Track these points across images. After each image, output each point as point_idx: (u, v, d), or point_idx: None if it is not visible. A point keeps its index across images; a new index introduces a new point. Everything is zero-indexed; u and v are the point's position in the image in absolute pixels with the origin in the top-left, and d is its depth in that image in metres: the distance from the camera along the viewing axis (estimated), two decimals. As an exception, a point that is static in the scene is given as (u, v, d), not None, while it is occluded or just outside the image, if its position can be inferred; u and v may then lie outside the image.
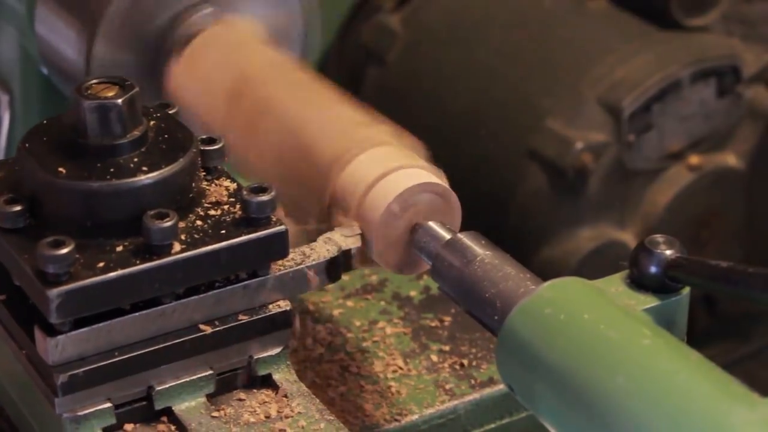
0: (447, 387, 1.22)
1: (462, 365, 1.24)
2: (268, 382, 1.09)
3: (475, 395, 1.21)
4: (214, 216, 1.06)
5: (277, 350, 1.08)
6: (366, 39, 2.17)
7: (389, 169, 1.11)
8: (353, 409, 1.19)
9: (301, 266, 1.08)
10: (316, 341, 1.27)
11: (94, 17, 1.35)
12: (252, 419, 1.05)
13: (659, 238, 1.03)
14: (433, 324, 1.30)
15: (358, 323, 1.30)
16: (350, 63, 2.19)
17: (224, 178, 1.11)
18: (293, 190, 1.16)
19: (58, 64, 1.43)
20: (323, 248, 1.10)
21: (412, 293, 1.34)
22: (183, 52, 1.33)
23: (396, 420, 1.18)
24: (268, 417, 1.05)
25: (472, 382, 1.22)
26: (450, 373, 1.23)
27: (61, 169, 1.04)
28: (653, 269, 1.02)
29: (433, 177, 1.11)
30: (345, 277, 1.34)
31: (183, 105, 1.25)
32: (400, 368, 1.23)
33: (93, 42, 1.35)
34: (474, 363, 1.24)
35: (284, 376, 1.08)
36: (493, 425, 1.21)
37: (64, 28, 1.40)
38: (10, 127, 1.69)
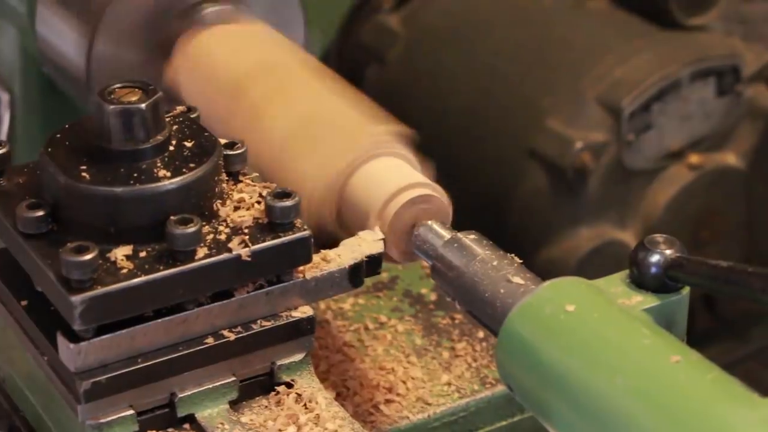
0: (458, 385, 1.21)
1: (474, 363, 1.24)
2: (291, 389, 1.07)
3: (487, 393, 1.20)
4: (237, 221, 1.05)
5: (300, 356, 1.07)
6: (366, 39, 2.17)
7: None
8: (365, 406, 1.19)
9: (325, 272, 1.07)
10: (327, 339, 1.27)
11: (95, 16, 1.35)
12: (276, 426, 1.03)
13: (659, 237, 1.03)
14: (444, 321, 1.29)
15: (369, 320, 1.29)
16: (350, 63, 2.19)
17: (247, 183, 1.09)
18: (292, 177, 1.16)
19: (59, 64, 1.43)
20: (348, 254, 1.09)
21: (424, 291, 1.33)
22: (187, 46, 1.33)
23: (407, 417, 1.18)
24: (293, 423, 1.04)
25: (484, 380, 1.22)
26: (461, 371, 1.23)
27: (84, 174, 1.03)
28: (653, 269, 1.02)
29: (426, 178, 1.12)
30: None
31: (184, 97, 1.25)
32: (412, 365, 1.23)
33: (94, 41, 1.35)
34: (485, 361, 1.24)
35: (307, 382, 1.07)
36: (504, 423, 1.21)
37: (64, 27, 1.40)
38: (10, 126, 1.69)
